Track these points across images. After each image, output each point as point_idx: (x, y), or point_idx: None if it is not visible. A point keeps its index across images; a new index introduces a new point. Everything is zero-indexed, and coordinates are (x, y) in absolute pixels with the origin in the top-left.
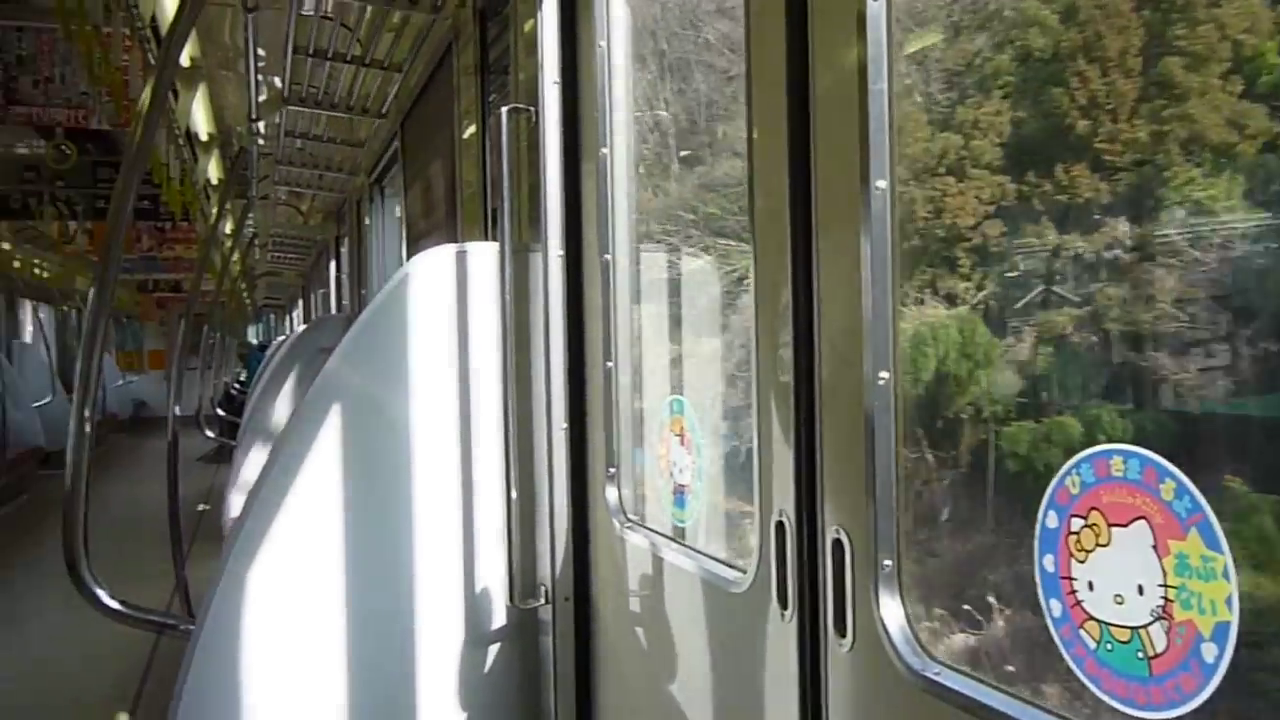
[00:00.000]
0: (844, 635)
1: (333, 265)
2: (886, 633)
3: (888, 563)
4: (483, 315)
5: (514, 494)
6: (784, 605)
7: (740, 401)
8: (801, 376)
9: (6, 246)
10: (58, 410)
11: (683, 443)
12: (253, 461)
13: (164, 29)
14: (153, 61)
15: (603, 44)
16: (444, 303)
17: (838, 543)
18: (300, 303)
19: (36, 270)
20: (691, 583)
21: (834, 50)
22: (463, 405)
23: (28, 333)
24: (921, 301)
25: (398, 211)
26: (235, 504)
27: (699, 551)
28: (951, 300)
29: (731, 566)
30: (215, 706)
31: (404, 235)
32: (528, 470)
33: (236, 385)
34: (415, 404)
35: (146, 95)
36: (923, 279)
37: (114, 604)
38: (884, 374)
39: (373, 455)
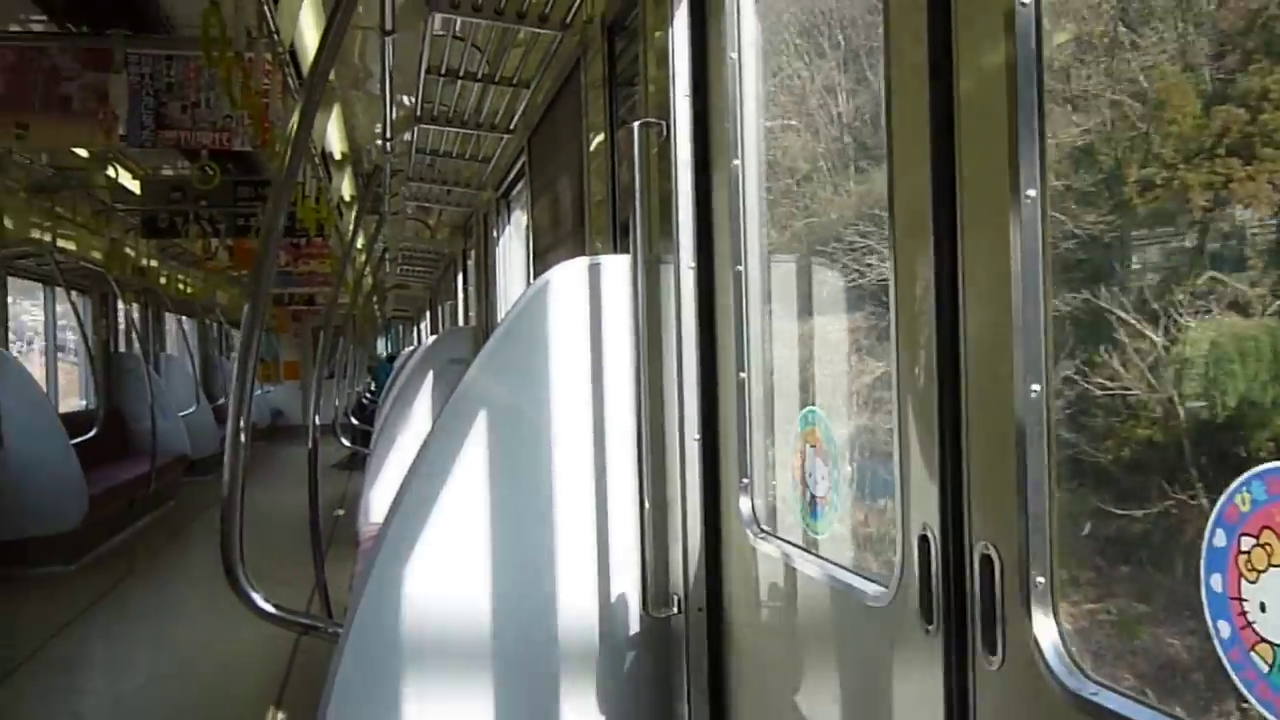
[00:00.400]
0: (993, 653)
1: (459, 278)
2: (1040, 651)
3: (1040, 579)
4: (616, 326)
5: (647, 504)
6: (928, 620)
7: (878, 413)
8: (946, 388)
9: (154, 263)
10: (201, 420)
11: (818, 454)
12: (387, 468)
13: (301, 54)
14: (292, 85)
15: (734, 55)
16: (578, 314)
17: (986, 558)
18: (427, 315)
19: (181, 285)
20: (828, 595)
21: (980, 53)
22: (597, 415)
23: (171, 344)
24: (1207, 311)
25: (523, 225)
26: (370, 509)
27: (836, 564)
28: (1244, 310)
29: (870, 579)
30: (363, 705)
31: (530, 248)
32: (660, 480)
33: (368, 395)
34: (552, 414)
35: (294, 121)
36: (1197, 283)
37: (267, 606)
38: (1036, 386)
39: (512, 464)
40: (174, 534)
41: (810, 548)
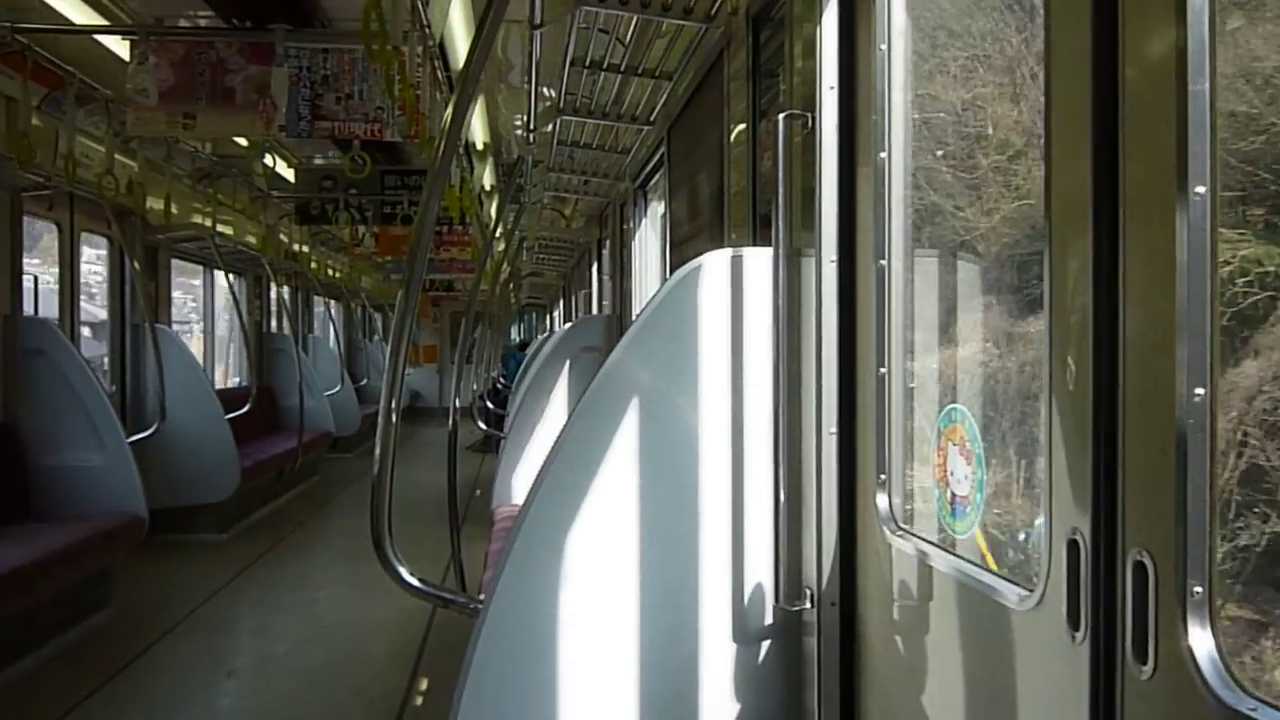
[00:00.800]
0: (1144, 663)
1: (594, 267)
2: (1194, 662)
3: (1198, 589)
4: (756, 318)
5: (782, 497)
6: (1075, 627)
7: (1026, 412)
8: (1101, 389)
9: (305, 249)
10: (344, 399)
11: (961, 452)
12: (521, 451)
13: (450, 47)
14: (440, 78)
15: (883, 47)
16: (719, 305)
17: (1140, 565)
18: (561, 303)
19: (329, 270)
20: (967, 597)
21: (1148, 40)
22: (736, 406)
23: (318, 327)
24: None
25: (660, 215)
26: (504, 490)
27: (977, 564)
28: None
29: (1012, 583)
30: (500, 680)
31: (667, 239)
32: (796, 474)
33: (502, 380)
34: (691, 403)
35: (448, 114)
36: None
37: (412, 580)
38: (1200, 390)
39: (650, 451)
40: (318, 507)
41: (949, 547)
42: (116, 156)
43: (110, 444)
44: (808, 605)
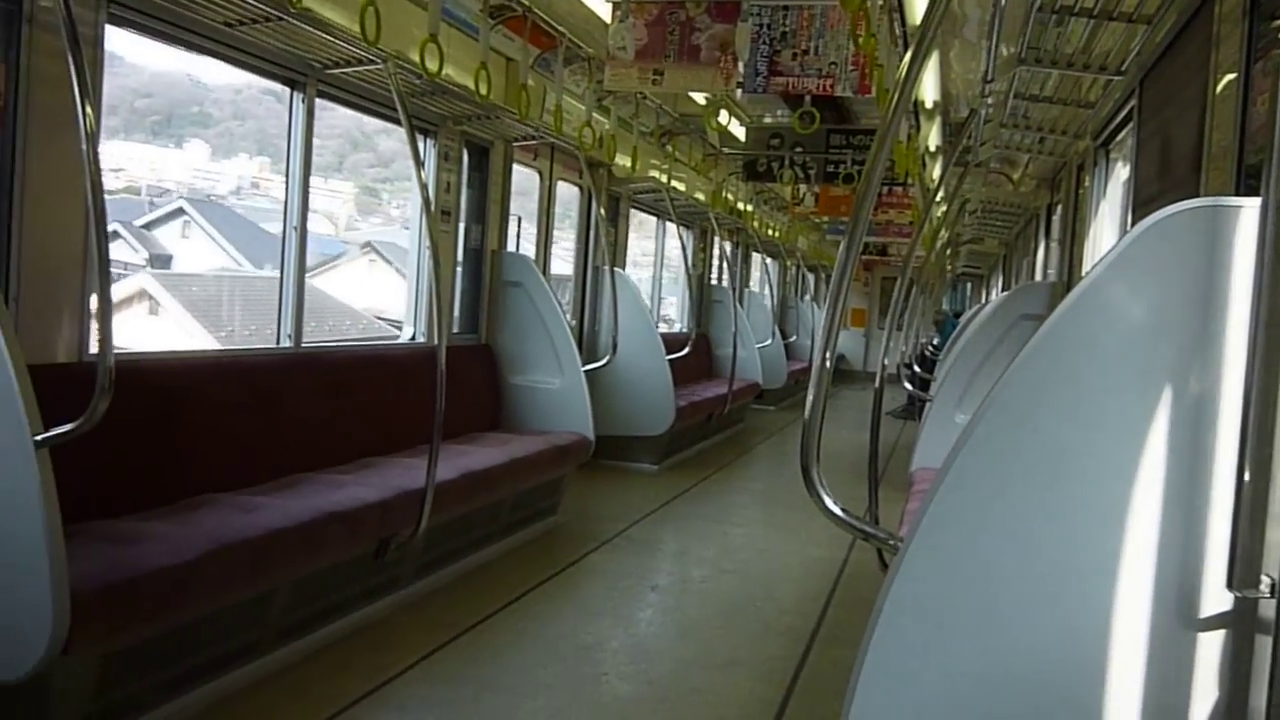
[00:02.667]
0: None
1: (1039, 234)
2: None
3: None
4: (1237, 277)
5: (1247, 474)
6: None
7: None
8: None
9: (749, 207)
10: (773, 353)
11: None
12: (944, 416)
13: (907, 3)
14: (896, 33)
15: None
16: (1194, 260)
17: None
18: (1000, 274)
19: (768, 229)
20: None
21: None
22: (1204, 370)
23: (754, 282)
24: None
25: (1123, 176)
26: (925, 453)
27: None
28: None
29: None
30: (912, 622)
31: (1130, 201)
32: (1266, 449)
33: (931, 347)
34: (1147, 361)
35: (902, 68)
36: None
37: (835, 509)
38: None
39: (1097, 410)
40: (740, 453)
41: None
42: (593, 113)
43: (569, 370)
44: (1266, 594)
